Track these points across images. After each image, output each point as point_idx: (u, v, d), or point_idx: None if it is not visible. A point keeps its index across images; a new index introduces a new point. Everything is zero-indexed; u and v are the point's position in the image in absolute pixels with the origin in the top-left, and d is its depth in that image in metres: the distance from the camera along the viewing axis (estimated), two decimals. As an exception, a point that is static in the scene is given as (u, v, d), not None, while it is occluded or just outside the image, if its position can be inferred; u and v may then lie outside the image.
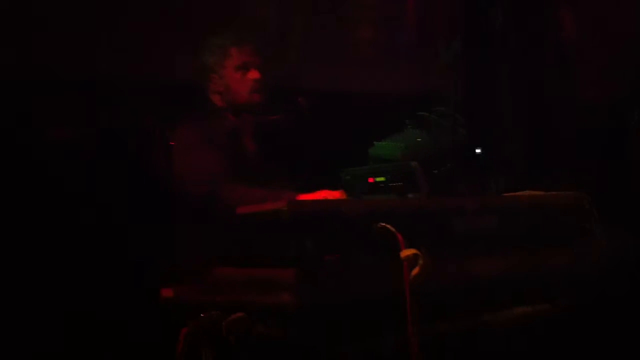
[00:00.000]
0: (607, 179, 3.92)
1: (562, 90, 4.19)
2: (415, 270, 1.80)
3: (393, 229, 1.85)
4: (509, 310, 2.18)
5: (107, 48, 3.22)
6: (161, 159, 2.69)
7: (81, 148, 2.95)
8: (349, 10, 4.03)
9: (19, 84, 2.98)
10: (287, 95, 2.84)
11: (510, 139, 4.07)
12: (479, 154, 2.44)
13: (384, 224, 1.87)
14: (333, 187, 2.51)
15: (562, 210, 2.39)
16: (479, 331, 2.09)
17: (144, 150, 2.79)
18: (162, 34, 3.34)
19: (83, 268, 2.97)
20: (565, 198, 2.41)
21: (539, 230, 2.30)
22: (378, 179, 2.22)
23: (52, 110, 2.99)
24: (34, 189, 2.95)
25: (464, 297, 2.04)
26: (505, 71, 4.18)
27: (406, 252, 1.81)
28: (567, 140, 4.13)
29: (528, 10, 4.18)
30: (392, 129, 2.45)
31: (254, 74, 2.82)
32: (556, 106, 4.19)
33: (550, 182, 2.48)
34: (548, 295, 2.26)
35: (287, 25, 3.80)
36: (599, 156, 4.10)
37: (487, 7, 4.17)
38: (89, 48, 3.18)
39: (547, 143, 4.10)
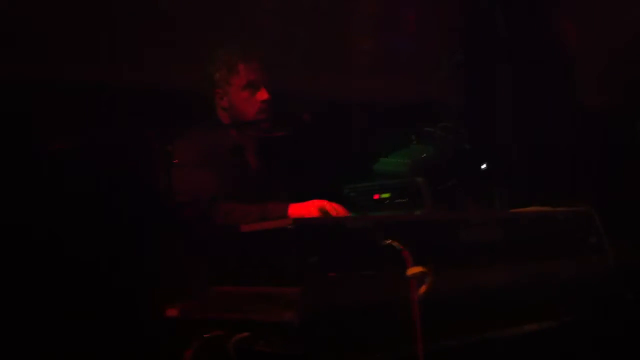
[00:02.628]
0: (612, 190, 3.90)
1: (564, 100, 4.18)
2: (423, 288, 1.78)
3: (400, 246, 1.83)
4: (516, 324, 2.16)
5: (109, 58, 3.20)
6: (162, 174, 2.66)
7: (80, 160, 2.91)
8: (350, 20, 4.02)
9: (18, 94, 2.96)
10: (292, 111, 2.80)
11: (514, 152, 4.06)
12: (484, 169, 2.43)
13: (390, 241, 1.85)
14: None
15: (569, 225, 2.37)
16: (486, 345, 2.07)
17: (144, 164, 2.76)
18: (167, 46, 3.32)
19: (84, 287, 2.94)
20: (572, 213, 2.40)
21: (546, 245, 2.29)
22: (383, 196, 2.21)
23: (52, 120, 2.96)
24: (30, 201, 2.92)
25: (471, 311, 2.02)
26: (508, 81, 4.17)
27: (413, 270, 1.79)
28: (571, 151, 4.12)
29: (529, 20, 4.18)
30: (396, 144, 2.44)
31: (262, 95, 2.75)
32: (559, 117, 4.18)
33: (555, 196, 2.46)
34: (556, 308, 2.25)
35: (289, 37, 3.78)
36: (604, 167, 4.09)
37: (488, 17, 4.18)
38: (90, 58, 3.16)
39: (551, 155, 4.09)
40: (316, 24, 3.82)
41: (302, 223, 1.89)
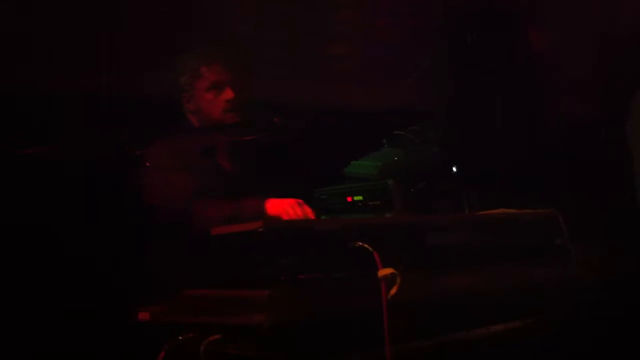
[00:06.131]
0: (580, 194, 3.96)
1: (535, 106, 4.24)
2: (393, 290, 1.80)
3: (370, 248, 1.85)
4: (483, 326, 2.19)
5: (83, 65, 3.19)
6: (134, 177, 2.66)
7: (52, 165, 2.90)
8: (324, 26, 4.04)
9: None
10: (263, 114, 2.82)
11: (484, 156, 4.10)
12: (454, 172, 2.46)
13: (361, 242, 1.87)
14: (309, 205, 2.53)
15: (535, 227, 2.41)
16: (453, 346, 2.10)
17: (117, 167, 2.76)
18: (138, 50, 3.32)
19: (55, 291, 2.92)
20: (538, 215, 2.43)
21: (511, 247, 2.32)
22: (356, 198, 2.23)
23: (25, 126, 2.94)
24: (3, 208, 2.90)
25: (439, 313, 2.05)
26: (479, 88, 4.21)
27: (384, 272, 1.81)
28: (540, 155, 4.17)
29: (500, 26, 4.23)
30: (368, 147, 2.46)
31: (227, 94, 2.79)
32: (530, 122, 4.24)
33: (524, 199, 2.50)
34: (521, 311, 2.28)
35: (261, 41, 3.79)
36: (572, 171, 4.15)
37: (461, 24, 4.22)
38: (64, 65, 3.15)
39: (521, 159, 4.14)
40: (290, 30, 3.84)
41: (273, 226, 1.91)
